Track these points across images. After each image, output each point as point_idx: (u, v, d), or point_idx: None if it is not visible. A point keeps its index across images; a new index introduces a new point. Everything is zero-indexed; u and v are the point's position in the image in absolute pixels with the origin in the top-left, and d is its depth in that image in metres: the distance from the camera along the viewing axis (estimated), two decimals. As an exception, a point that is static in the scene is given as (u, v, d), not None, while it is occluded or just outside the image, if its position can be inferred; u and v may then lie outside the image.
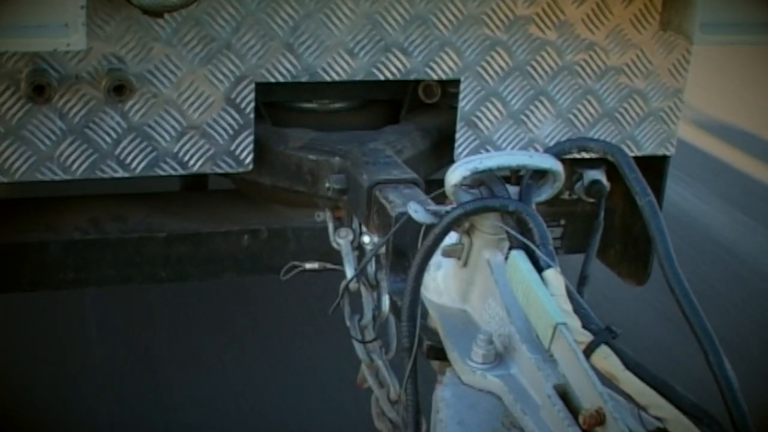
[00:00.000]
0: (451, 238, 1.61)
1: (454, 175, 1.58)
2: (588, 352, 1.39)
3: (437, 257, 1.61)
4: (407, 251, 1.86)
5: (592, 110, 2.56)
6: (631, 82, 2.57)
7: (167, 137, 2.27)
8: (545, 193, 1.63)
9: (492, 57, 2.44)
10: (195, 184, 2.80)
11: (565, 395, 1.37)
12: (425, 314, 1.63)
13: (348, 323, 2.03)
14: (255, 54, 2.27)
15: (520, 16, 2.42)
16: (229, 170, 2.34)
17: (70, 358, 3.33)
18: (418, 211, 1.62)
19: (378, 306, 2.01)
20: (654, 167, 2.66)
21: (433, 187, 1.80)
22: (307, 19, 2.28)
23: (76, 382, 3.22)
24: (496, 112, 2.49)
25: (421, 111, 2.61)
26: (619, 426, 1.26)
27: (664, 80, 2.59)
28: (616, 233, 2.87)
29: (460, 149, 2.49)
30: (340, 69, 2.34)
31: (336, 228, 2.21)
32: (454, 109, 2.48)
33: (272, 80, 2.30)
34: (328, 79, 2.33)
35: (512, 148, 2.52)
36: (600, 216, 2.52)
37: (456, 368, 1.54)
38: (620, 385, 1.37)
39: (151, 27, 2.17)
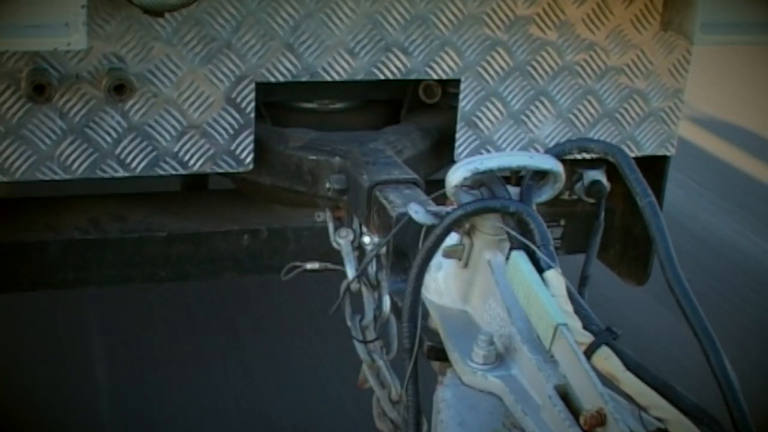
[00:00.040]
0: (452, 238, 1.61)
1: (455, 176, 1.58)
2: (589, 352, 1.39)
3: (438, 258, 1.61)
4: (408, 252, 1.86)
5: (592, 110, 2.56)
6: (632, 82, 2.57)
7: (167, 137, 2.27)
8: (546, 194, 1.63)
9: (492, 57, 2.44)
10: (195, 183, 2.80)
11: (565, 396, 1.37)
12: (426, 315, 1.63)
13: (349, 323, 2.03)
14: (255, 54, 2.26)
15: (520, 16, 2.42)
16: (230, 170, 2.34)
17: (70, 358, 3.33)
18: (418, 212, 1.62)
19: (379, 306, 2.01)
20: (654, 167, 2.66)
21: (434, 187, 1.80)
22: (307, 18, 2.28)
23: (76, 382, 3.22)
24: (496, 112, 2.49)
25: (421, 111, 2.61)
26: (619, 426, 1.26)
27: (665, 80, 2.59)
28: (616, 233, 2.87)
29: (460, 149, 2.49)
30: (340, 69, 2.33)
31: (336, 228, 2.21)
32: (455, 109, 2.48)
33: (272, 80, 2.30)
34: (328, 78, 2.33)
35: (512, 149, 2.52)
36: (600, 216, 2.52)
37: (457, 369, 1.54)
38: (621, 385, 1.37)
39: (151, 26, 2.17)
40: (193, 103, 2.26)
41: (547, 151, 1.66)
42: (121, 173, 2.26)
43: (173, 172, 2.30)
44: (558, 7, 2.44)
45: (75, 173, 2.23)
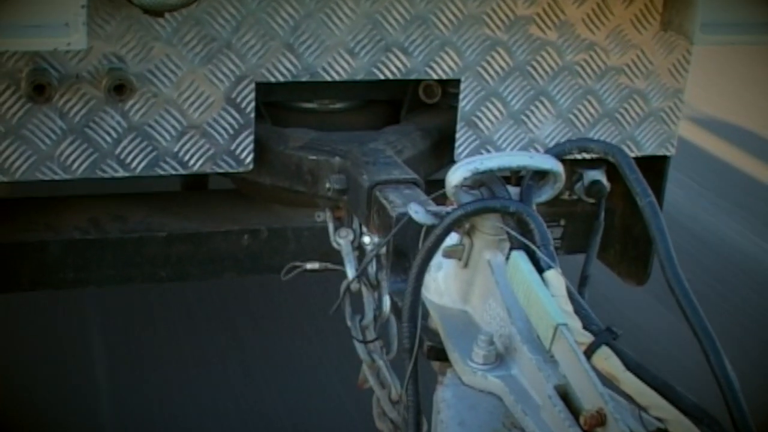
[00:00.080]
0: (452, 238, 1.61)
1: (455, 176, 1.58)
2: (589, 352, 1.39)
3: (438, 258, 1.61)
4: (408, 252, 1.86)
5: (592, 110, 2.56)
6: (632, 82, 2.57)
7: (167, 137, 2.27)
8: (546, 194, 1.63)
9: (492, 57, 2.44)
10: (195, 183, 2.80)
11: (565, 396, 1.37)
12: (426, 315, 1.63)
13: (349, 323, 2.02)
14: (255, 54, 2.26)
15: (520, 16, 2.42)
16: (230, 170, 2.34)
17: (70, 358, 3.33)
18: (418, 212, 1.62)
19: (379, 306, 2.01)
20: (654, 168, 2.66)
21: (434, 187, 1.80)
22: (307, 18, 2.28)
23: (76, 382, 3.22)
24: (496, 112, 2.49)
25: (421, 111, 2.61)
26: (619, 426, 1.26)
27: (665, 80, 2.59)
28: (616, 233, 2.87)
29: (460, 149, 2.49)
30: (340, 69, 2.33)
31: (336, 228, 2.21)
32: (455, 109, 2.48)
33: (272, 80, 2.30)
34: (328, 78, 2.33)
35: (512, 149, 2.52)
36: (600, 216, 2.52)
37: (457, 369, 1.54)
38: (621, 385, 1.37)
39: (151, 26, 2.17)
40: (193, 103, 2.26)
41: (547, 151, 1.66)
42: (121, 173, 2.26)
43: (173, 172, 2.30)
44: (558, 7, 2.44)
45: (75, 173, 2.23)
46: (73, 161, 2.22)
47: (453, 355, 1.56)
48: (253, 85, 2.28)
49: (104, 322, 3.55)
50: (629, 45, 2.53)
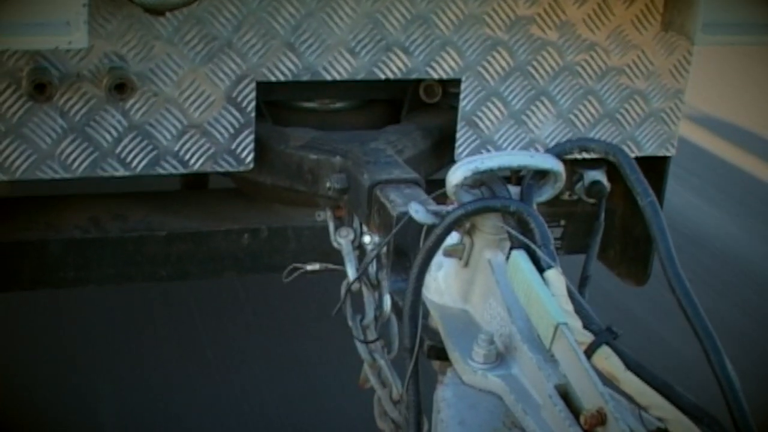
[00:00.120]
0: (452, 238, 1.61)
1: (456, 176, 1.58)
2: (589, 352, 1.39)
3: (438, 257, 1.61)
4: (408, 251, 1.86)
5: (593, 111, 2.56)
6: (632, 82, 2.57)
7: (168, 136, 2.27)
8: (546, 194, 1.63)
9: (493, 57, 2.44)
10: (195, 182, 2.80)
11: (566, 395, 1.37)
12: (426, 314, 1.63)
13: (350, 323, 2.02)
14: (256, 53, 2.26)
15: (521, 16, 2.42)
16: (230, 169, 2.34)
17: (70, 358, 3.33)
18: (419, 211, 1.62)
19: (380, 306, 2.01)
20: (654, 168, 2.66)
21: (434, 187, 1.80)
22: (308, 18, 2.28)
23: (76, 382, 3.22)
24: (497, 112, 2.49)
25: (422, 111, 2.61)
26: (620, 426, 1.26)
27: (665, 81, 2.59)
28: (617, 234, 2.87)
29: (460, 149, 2.49)
30: (341, 68, 2.33)
31: (337, 227, 2.21)
32: (455, 108, 2.48)
33: (273, 79, 2.30)
34: (329, 78, 2.33)
35: (513, 149, 2.52)
36: (601, 217, 2.52)
37: (457, 368, 1.54)
38: (621, 385, 1.37)
39: (152, 25, 2.17)
40: (193, 102, 2.26)
41: (548, 151, 1.66)
42: (122, 172, 2.26)
43: (174, 171, 2.30)
44: (559, 8, 2.44)
45: (75, 172, 2.23)
46: (74, 160, 2.22)
47: (453, 354, 1.56)
48: (253, 85, 2.28)
49: (104, 322, 3.55)
50: (630, 45, 2.53)
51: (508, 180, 1.65)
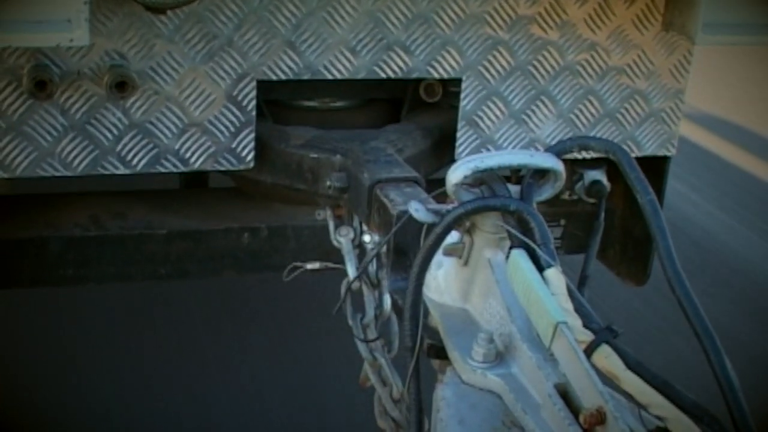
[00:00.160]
0: (452, 237, 1.61)
1: (455, 174, 1.58)
2: (589, 351, 1.39)
3: (438, 256, 1.61)
4: (408, 250, 1.86)
5: (593, 110, 2.56)
6: (633, 82, 2.57)
7: (168, 134, 2.27)
8: (546, 193, 1.63)
9: (494, 56, 2.44)
10: (195, 181, 2.80)
11: (565, 394, 1.37)
12: (426, 313, 1.63)
13: (350, 322, 2.02)
14: (257, 51, 2.27)
15: (522, 15, 2.42)
16: (230, 168, 2.34)
17: (70, 358, 3.33)
18: (419, 210, 1.62)
19: (380, 305, 2.01)
20: (655, 167, 2.66)
21: (434, 186, 1.80)
22: (309, 17, 2.28)
23: (76, 382, 3.22)
24: (497, 112, 2.49)
25: (422, 110, 2.61)
26: (619, 425, 1.26)
27: (666, 81, 2.59)
28: (616, 234, 2.87)
29: (461, 148, 2.49)
30: (341, 67, 2.33)
31: (337, 226, 2.21)
32: (456, 108, 2.48)
33: (274, 78, 2.30)
34: (329, 77, 2.33)
35: (513, 148, 2.52)
36: (600, 216, 2.52)
37: (457, 367, 1.54)
38: (621, 384, 1.37)
39: (153, 24, 2.17)
40: (194, 100, 2.26)
41: (548, 150, 1.66)
42: (122, 170, 2.26)
43: (174, 170, 2.30)
44: (560, 7, 2.44)
45: (76, 170, 2.23)
46: (74, 158, 2.22)
47: (453, 353, 1.56)
48: (254, 83, 2.28)
49: (104, 322, 3.55)
50: (630, 45, 2.53)
51: (508, 179, 1.64)
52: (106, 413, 3.09)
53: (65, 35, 1.92)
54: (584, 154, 1.71)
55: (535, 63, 2.47)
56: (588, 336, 1.40)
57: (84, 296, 3.51)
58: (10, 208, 2.47)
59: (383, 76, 2.37)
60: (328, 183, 2.26)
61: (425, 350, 1.60)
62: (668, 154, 2.68)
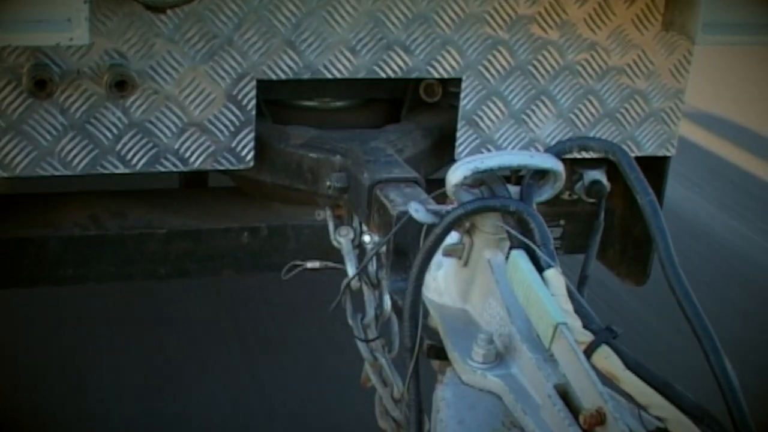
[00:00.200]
0: (452, 237, 1.61)
1: (455, 175, 1.58)
2: (589, 351, 1.39)
3: (438, 257, 1.61)
4: (408, 251, 1.86)
5: (593, 110, 2.56)
6: (633, 82, 2.57)
7: (168, 134, 2.26)
8: (546, 193, 1.63)
9: (493, 56, 2.44)
10: (195, 181, 2.80)
11: (565, 395, 1.37)
12: (426, 313, 1.63)
13: (350, 322, 2.02)
14: (257, 51, 2.26)
15: (522, 15, 2.42)
16: (230, 167, 2.34)
17: (70, 358, 3.33)
18: (419, 211, 1.62)
19: (380, 305, 2.01)
20: (654, 168, 2.66)
21: (434, 186, 1.80)
22: (309, 16, 2.28)
23: (76, 382, 3.21)
24: (497, 112, 2.49)
25: (422, 110, 2.61)
26: (619, 426, 1.26)
27: (666, 81, 2.59)
28: (616, 234, 2.87)
29: (460, 148, 2.49)
30: (341, 66, 2.33)
31: (336, 226, 2.21)
32: (455, 108, 2.48)
33: (274, 77, 2.30)
34: (329, 76, 2.33)
35: (513, 148, 2.52)
36: (600, 216, 2.52)
37: (456, 368, 1.54)
38: (621, 384, 1.37)
39: (153, 23, 2.17)
40: (194, 100, 2.26)
41: (548, 150, 1.66)
42: (122, 169, 2.26)
43: (174, 169, 2.30)
44: (560, 7, 2.44)
45: (75, 169, 2.23)
46: (74, 157, 2.22)
47: (453, 354, 1.56)
48: (254, 83, 2.28)
49: (104, 322, 3.54)
50: (630, 45, 2.53)
51: (507, 179, 1.64)
52: (106, 413, 3.09)
53: (65, 34, 1.92)
54: (584, 154, 1.70)
55: (535, 63, 2.47)
56: (588, 337, 1.40)
57: (84, 296, 3.51)
58: (10, 208, 2.46)
59: (383, 75, 2.37)
60: (328, 183, 2.26)
61: (425, 351, 1.60)
62: (668, 154, 2.68)
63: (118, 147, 2.24)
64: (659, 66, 2.57)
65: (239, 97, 2.29)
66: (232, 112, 2.30)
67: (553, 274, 1.48)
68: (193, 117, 2.27)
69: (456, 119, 2.47)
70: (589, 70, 2.52)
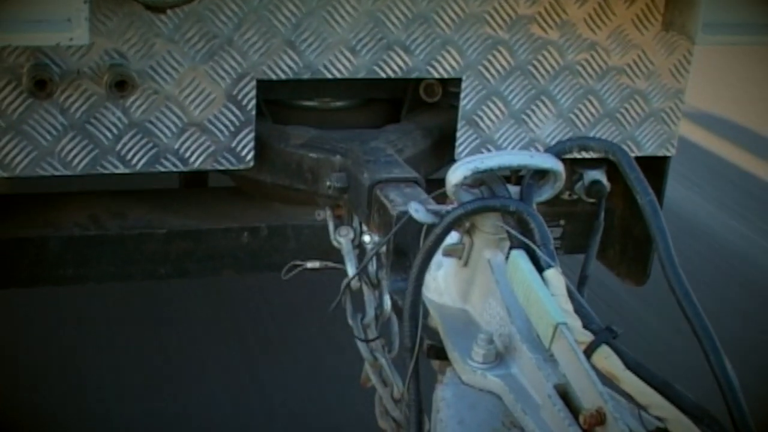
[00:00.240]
0: (452, 237, 1.61)
1: (455, 175, 1.58)
2: (589, 351, 1.39)
3: (438, 257, 1.61)
4: (408, 251, 1.86)
5: (593, 110, 2.56)
6: (633, 82, 2.57)
7: (168, 133, 2.26)
8: (546, 193, 1.63)
9: (493, 56, 2.44)
10: (195, 181, 2.80)
11: (565, 395, 1.37)
12: (426, 314, 1.63)
13: (350, 322, 2.02)
14: (257, 51, 2.26)
15: (522, 15, 2.42)
16: (230, 167, 2.34)
17: (70, 358, 3.33)
18: (419, 211, 1.62)
19: (380, 305, 2.01)
20: (654, 168, 2.66)
21: (434, 186, 1.80)
22: (309, 16, 2.28)
23: (76, 382, 3.21)
24: (497, 112, 2.49)
25: (422, 110, 2.61)
26: (619, 426, 1.26)
27: (666, 81, 2.59)
28: (616, 234, 2.87)
29: (460, 148, 2.49)
30: (341, 66, 2.33)
31: (336, 226, 2.21)
32: (455, 108, 2.48)
33: (274, 77, 2.30)
34: (329, 76, 2.33)
35: (513, 148, 2.52)
36: (600, 216, 2.52)
37: (456, 368, 1.54)
38: (621, 384, 1.37)
39: (153, 23, 2.17)
40: (194, 100, 2.26)
41: (548, 150, 1.66)
42: (122, 169, 2.26)
43: (174, 169, 2.30)
44: (560, 7, 2.44)
45: (75, 169, 2.23)
46: (74, 157, 2.22)
47: (453, 354, 1.56)
48: (254, 83, 2.28)
49: (104, 322, 3.54)
50: (630, 45, 2.53)
51: (508, 179, 1.64)
52: (106, 413, 3.09)
53: (65, 34, 1.92)
54: (584, 154, 1.70)
55: (535, 63, 2.47)
56: (588, 337, 1.40)
57: (84, 296, 3.51)
58: (10, 208, 2.46)
59: (383, 75, 2.37)
60: (328, 183, 2.26)
61: (425, 351, 1.60)
62: (668, 154, 2.68)
63: (118, 147, 2.24)
64: (659, 66, 2.57)
65: (239, 97, 2.29)
66: (232, 112, 2.30)
67: (553, 274, 1.48)
68: (193, 117, 2.27)
69: (456, 119, 2.47)
70: (589, 70, 2.52)
